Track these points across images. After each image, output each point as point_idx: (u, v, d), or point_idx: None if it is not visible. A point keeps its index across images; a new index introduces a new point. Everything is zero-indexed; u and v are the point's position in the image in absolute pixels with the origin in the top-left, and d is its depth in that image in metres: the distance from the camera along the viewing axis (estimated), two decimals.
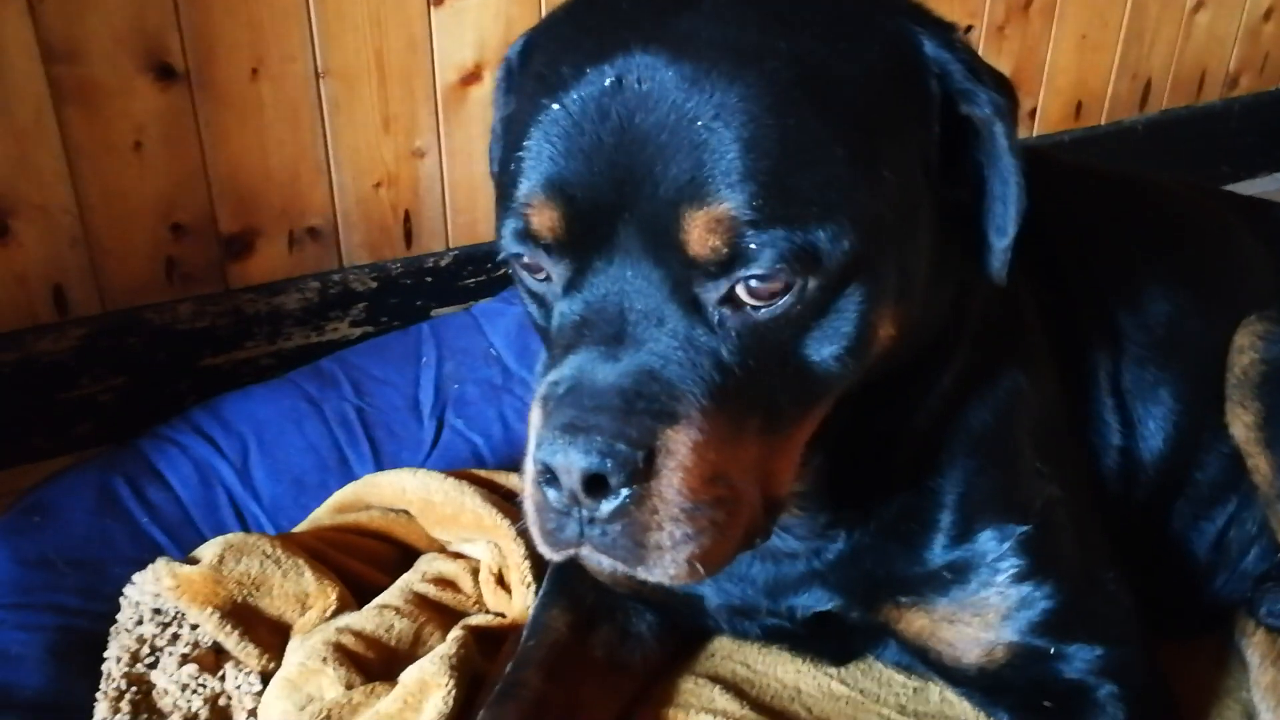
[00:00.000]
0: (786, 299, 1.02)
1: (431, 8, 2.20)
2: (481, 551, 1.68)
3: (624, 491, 0.99)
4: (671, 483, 1.01)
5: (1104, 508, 1.50)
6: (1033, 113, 2.89)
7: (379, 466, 1.92)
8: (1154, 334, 1.52)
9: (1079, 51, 2.88)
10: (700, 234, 0.98)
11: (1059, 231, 1.55)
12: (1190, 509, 1.57)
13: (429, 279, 2.27)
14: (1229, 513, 1.55)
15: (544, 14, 2.13)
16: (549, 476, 1.01)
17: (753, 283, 1.01)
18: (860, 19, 1.08)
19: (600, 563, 1.04)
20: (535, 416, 1.02)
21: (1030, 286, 1.46)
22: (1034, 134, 2.92)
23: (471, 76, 2.17)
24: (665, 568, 1.04)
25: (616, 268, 1.02)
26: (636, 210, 1.00)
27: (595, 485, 1.00)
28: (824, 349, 1.06)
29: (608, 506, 1.00)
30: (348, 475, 1.90)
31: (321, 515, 1.80)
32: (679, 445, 1.00)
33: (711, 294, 1.02)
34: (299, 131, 2.20)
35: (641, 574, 1.06)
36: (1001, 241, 1.14)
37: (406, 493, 1.75)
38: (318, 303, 2.32)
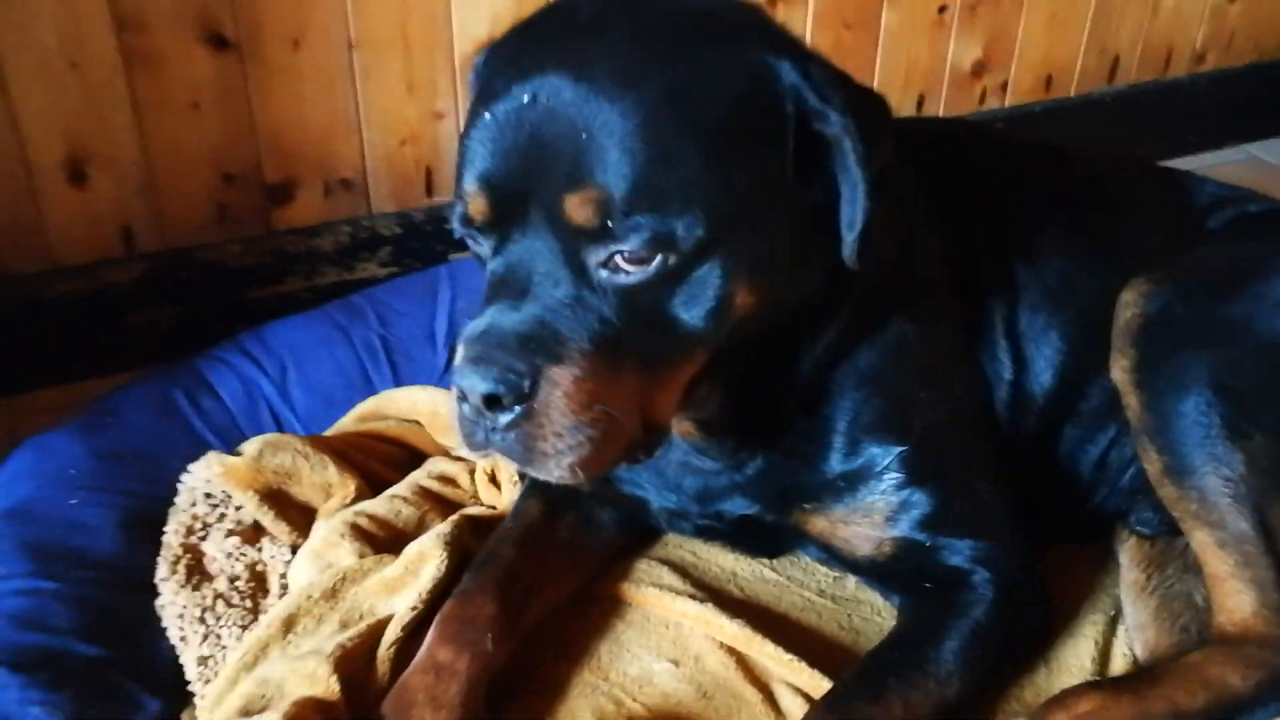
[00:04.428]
0: (651, 269, 1.18)
1: None
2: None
3: (516, 409, 1.17)
4: (553, 405, 1.17)
5: (997, 430, 1.61)
6: (1004, 85, 2.93)
7: (398, 385, 2.01)
8: (1047, 285, 1.64)
9: (1048, 28, 2.91)
10: (577, 208, 1.15)
11: (975, 194, 1.67)
12: (1077, 434, 1.68)
13: (447, 226, 2.40)
14: (1109, 437, 1.66)
15: None
16: (462, 396, 1.19)
17: (623, 256, 1.17)
18: (726, 52, 1.22)
19: (509, 464, 1.23)
20: (458, 352, 1.21)
21: (942, 242, 1.58)
22: (1006, 104, 2.94)
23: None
24: (550, 470, 1.21)
25: (528, 239, 1.20)
26: (541, 197, 1.17)
27: (493, 403, 1.17)
28: (688, 311, 1.22)
29: (503, 419, 1.18)
30: (370, 392, 2.01)
31: (346, 423, 1.93)
32: (560, 377, 1.17)
33: (594, 259, 1.18)
34: (334, 95, 2.28)
35: (532, 473, 1.23)
36: (850, 235, 1.27)
37: (418, 406, 1.90)
38: (349, 245, 2.41)
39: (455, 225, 1.26)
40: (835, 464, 1.48)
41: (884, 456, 1.48)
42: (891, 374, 1.49)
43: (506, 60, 1.24)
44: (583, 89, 1.15)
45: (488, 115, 1.19)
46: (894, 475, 1.48)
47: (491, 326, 1.19)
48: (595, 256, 1.18)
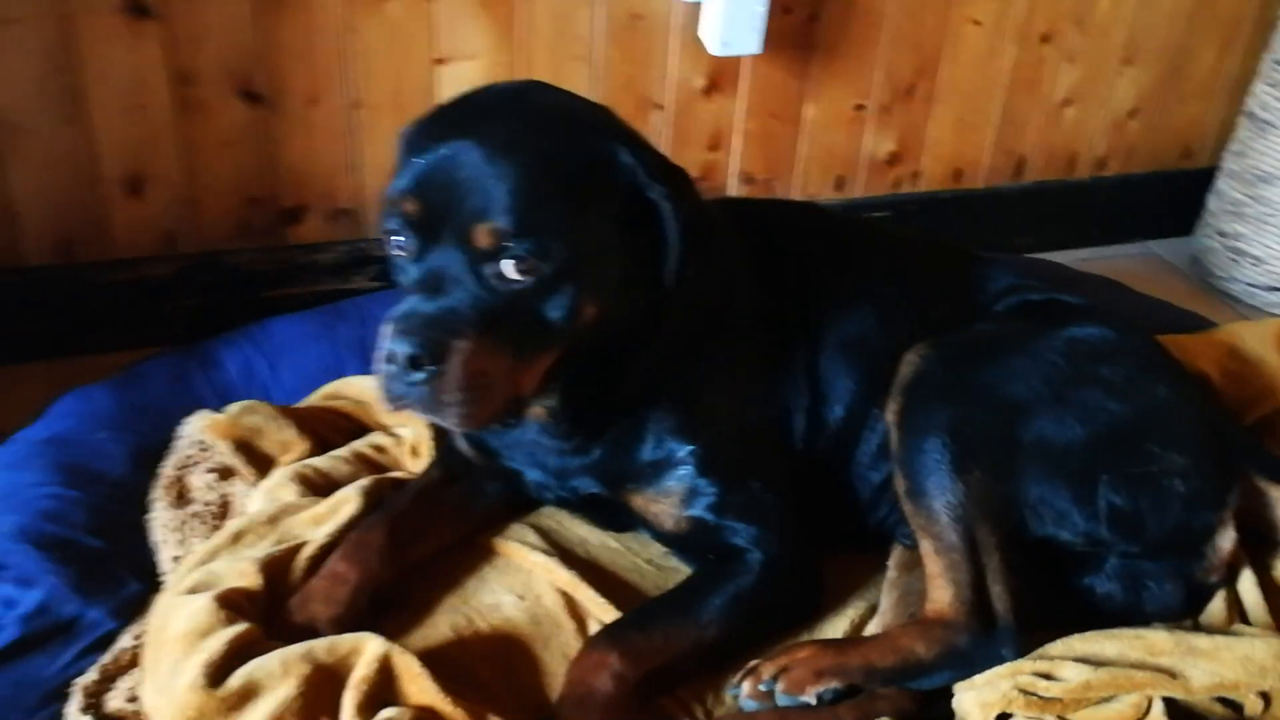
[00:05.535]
0: (531, 279, 1.45)
1: (435, 65, 2.53)
2: (408, 432, 2.02)
3: (430, 368, 1.41)
4: (455, 368, 1.42)
5: (789, 446, 1.82)
6: (915, 174, 3.10)
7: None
8: (844, 339, 1.87)
9: (957, 130, 3.08)
10: (480, 234, 1.44)
11: (802, 263, 1.89)
12: (865, 461, 1.88)
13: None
14: (890, 466, 1.80)
15: (514, 75, 2.51)
16: (390, 358, 1.42)
17: (512, 266, 1.44)
18: (583, 138, 1.54)
19: (419, 415, 1.47)
20: (387, 329, 1.44)
21: (761, 293, 1.81)
22: (919, 190, 3.10)
23: None
24: (448, 417, 1.46)
25: (441, 252, 1.46)
26: (452, 223, 1.45)
27: (414, 362, 1.40)
28: (553, 314, 1.49)
29: (419, 376, 1.42)
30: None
31: (313, 398, 2.15)
32: (461, 348, 1.42)
33: (490, 270, 1.45)
34: (338, 143, 2.52)
35: (436, 420, 1.49)
36: (668, 268, 1.56)
37: (367, 391, 2.10)
38: (346, 262, 2.65)
39: (386, 222, 1.51)
40: (646, 454, 1.75)
41: (680, 451, 1.74)
42: (693, 389, 1.75)
43: (429, 129, 1.54)
44: (484, 151, 1.46)
45: (415, 161, 1.49)
46: (687, 467, 1.74)
47: (412, 311, 1.45)
48: (491, 268, 1.46)
